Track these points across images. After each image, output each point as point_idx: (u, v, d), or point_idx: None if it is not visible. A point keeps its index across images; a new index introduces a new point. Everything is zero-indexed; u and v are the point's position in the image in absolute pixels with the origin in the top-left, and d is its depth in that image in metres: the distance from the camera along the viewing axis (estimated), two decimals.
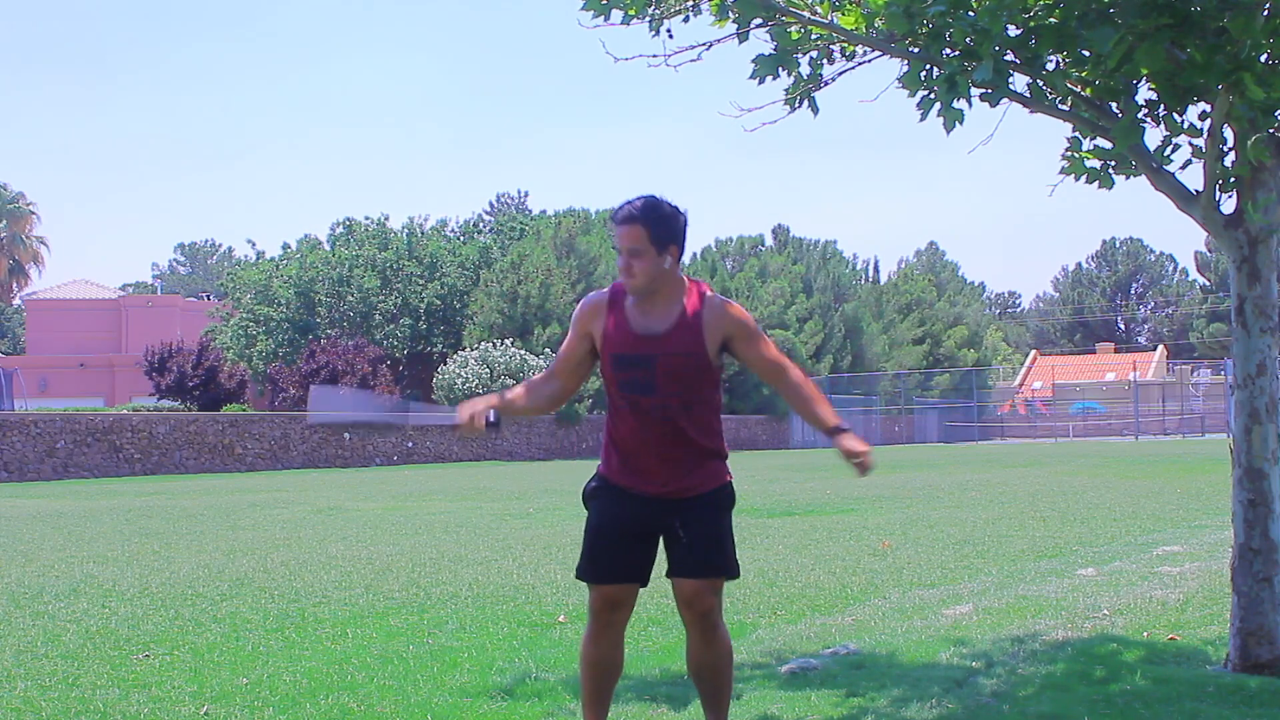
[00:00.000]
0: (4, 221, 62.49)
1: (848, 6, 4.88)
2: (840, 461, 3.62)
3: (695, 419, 3.70)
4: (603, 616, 3.79)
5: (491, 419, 3.74)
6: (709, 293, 3.74)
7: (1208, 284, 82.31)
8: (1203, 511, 12.05)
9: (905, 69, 4.72)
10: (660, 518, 3.72)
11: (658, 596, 7.11)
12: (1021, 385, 66.23)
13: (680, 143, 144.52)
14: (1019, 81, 4.80)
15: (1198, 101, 4.91)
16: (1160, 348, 69.73)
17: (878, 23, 4.72)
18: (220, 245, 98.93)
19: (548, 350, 38.17)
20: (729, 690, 3.88)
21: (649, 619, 6.23)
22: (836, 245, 58.27)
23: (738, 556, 3.80)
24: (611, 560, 3.74)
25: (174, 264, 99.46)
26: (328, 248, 47.28)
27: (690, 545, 3.69)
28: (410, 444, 33.63)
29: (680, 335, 3.66)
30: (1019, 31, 4.61)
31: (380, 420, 4.02)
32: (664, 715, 4.52)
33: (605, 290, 3.83)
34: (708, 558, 3.70)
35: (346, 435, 31.99)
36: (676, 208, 3.71)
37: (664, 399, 3.66)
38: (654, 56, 5.32)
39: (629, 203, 3.68)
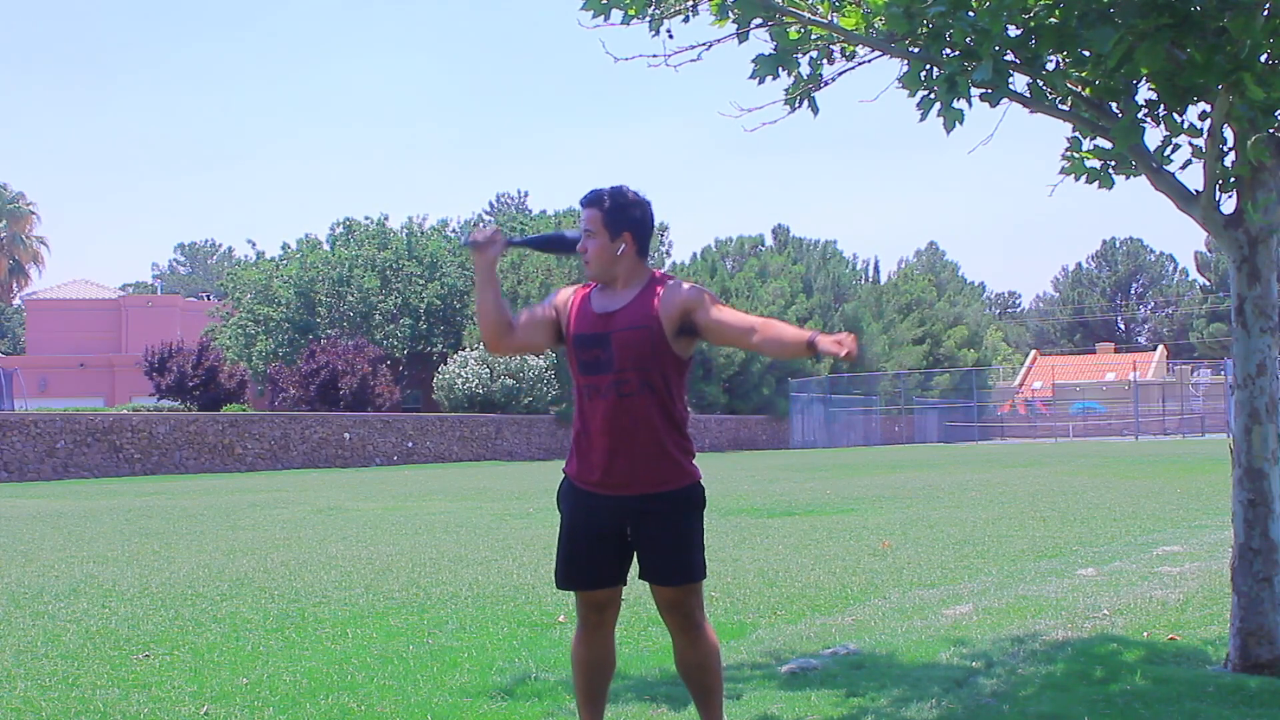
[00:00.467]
0: (4, 221, 62.49)
1: (848, 6, 4.87)
2: (829, 354, 3.37)
3: (657, 402, 3.63)
4: (590, 619, 3.77)
5: (471, 238, 3.82)
6: (673, 280, 3.76)
7: (1208, 284, 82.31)
8: (1203, 511, 12.05)
9: (905, 69, 4.72)
10: (620, 519, 3.66)
11: None
12: (1021, 385, 66.23)
13: (680, 143, 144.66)
14: (1019, 81, 4.79)
15: (1198, 101, 4.91)
16: (1160, 348, 69.73)
17: (878, 23, 4.72)
18: (220, 245, 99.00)
19: (547, 350, 38.11)
20: (720, 689, 3.82)
21: (649, 619, 6.23)
22: (836, 245, 58.34)
23: (703, 558, 3.73)
24: (584, 565, 3.70)
25: (174, 264, 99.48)
26: (327, 248, 47.31)
27: (653, 550, 3.65)
28: (410, 444, 33.65)
29: (635, 309, 3.67)
30: (1019, 31, 4.61)
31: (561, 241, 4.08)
32: (663, 715, 4.52)
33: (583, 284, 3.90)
34: (672, 565, 3.65)
35: (346, 435, 31.99)
36: (639, 198, 3.75)
37: (620, 375, 3.61)
38: (654, 56, 5.32)
39: (597, 189, 3.76)
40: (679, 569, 3.65)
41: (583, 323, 3.73)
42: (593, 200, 3.72)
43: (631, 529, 3.65)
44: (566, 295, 3.87)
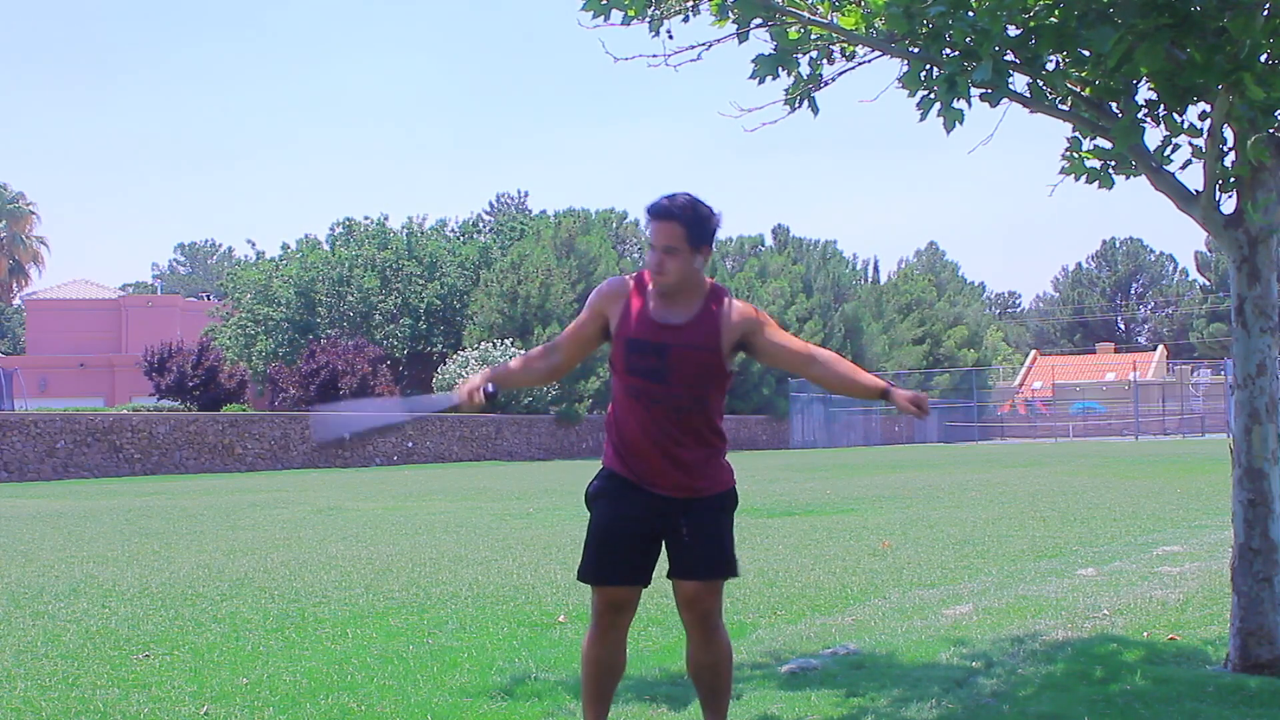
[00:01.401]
0: (4, 221, 62.50)
1: (848, 6, 4.87)
2: (902, 411, 3.60)
3: (704, 417, 3.70)
4: (606, 619, 3.76)
5: (490, 390, 3.76)
6: (728, 295, 3.77)
7: (1208, 284, 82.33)
8: (1203, 511, 12.05)
9: (905, 69, 4.72)
10: (666, 518, 3.69)
11: (658, 596, 7.10)
12: (1021, 385, 66.24)
13: (680, 143, 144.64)
14: (1019, 81, 4.79)
15: (1198, 101, 4.91)
16: (1160, 348, 69.74)
17: (878, 23, 4.72)
18: (220, 245, 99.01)
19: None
20: (728, 691, 3.87)
21: (649, 619, 6.23)
22: (836, 245, 58.35)
23: (737, 556, 3.83)
24: (617, 562, 3.70)
25: (174, 264, 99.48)
26: (327, 248, 47.31)
27: (693, 546, 3.69)
28: (410, 444, 33.64)
29: (697, 328, 3.67)
30: (1019, 31, 4.61)
31: (382, 423, 4.01)
32: (664, 715, 4.52)
33: (629, 276, 3.80)
34: (711, 559, 3.71)
35: (346, 435, 31.96)
36: (712, 209, 3.69)
37: (675, 389, 3.65)
38: (654, 56, 5.32)
39: (669, 198, 3.64)
40: (715, 564, 3.72)
41: (641, 328, 3.69)
42: (672, 214, 3.61)
43: (681, 525, 3.68)
44: (613, 296, 3.76)
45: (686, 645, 3.84)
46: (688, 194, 3.67)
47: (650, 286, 3.72)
